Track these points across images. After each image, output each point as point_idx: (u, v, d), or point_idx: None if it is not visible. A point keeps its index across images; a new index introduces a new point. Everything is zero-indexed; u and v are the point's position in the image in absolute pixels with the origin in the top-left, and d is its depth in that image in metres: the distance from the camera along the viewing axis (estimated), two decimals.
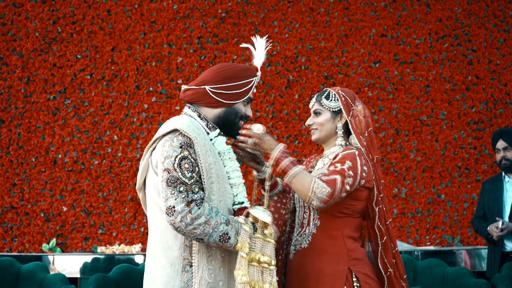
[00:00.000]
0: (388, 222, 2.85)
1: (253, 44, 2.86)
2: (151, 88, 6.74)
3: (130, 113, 6.71)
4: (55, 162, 6.61)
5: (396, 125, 6.83)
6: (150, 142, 2.65)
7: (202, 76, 2.74)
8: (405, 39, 6.90)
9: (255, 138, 2.74)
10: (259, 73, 2.80)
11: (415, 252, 5.89)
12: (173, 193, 2.50)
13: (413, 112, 6.83)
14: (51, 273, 4.42)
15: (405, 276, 2.90)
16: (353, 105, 2.93)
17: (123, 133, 6.68)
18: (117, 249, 6.06)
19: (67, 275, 4.53)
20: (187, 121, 2.63)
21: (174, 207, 2.49)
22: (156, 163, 2.60)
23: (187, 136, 2.56)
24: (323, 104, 2.93)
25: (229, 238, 2.52)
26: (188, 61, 6.76)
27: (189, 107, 2.74)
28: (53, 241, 6.35)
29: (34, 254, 6.19)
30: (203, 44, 6.79)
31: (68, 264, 5.77)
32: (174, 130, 2.57)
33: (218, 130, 2.70)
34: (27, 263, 4.45)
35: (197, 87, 2.71)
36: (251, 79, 2.75)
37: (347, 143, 2.93)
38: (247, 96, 2.74)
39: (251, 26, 6.82)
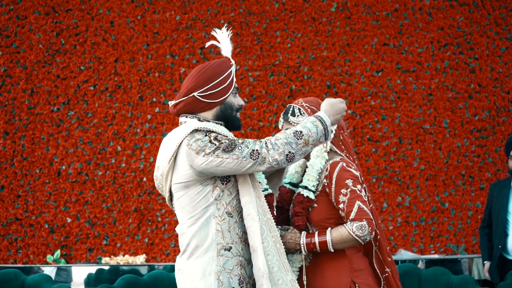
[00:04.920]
0: (379, 221, 2.86)
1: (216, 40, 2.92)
2: (154, 99, 6.76)
3: (134, 124, 6.73)
4: (59, 174, 6.63)
5: (399, 134, 6.83)
6: (171, 152, 2.66)
7: (185, 86, 2.77)
8: (407, 47, 6.91)
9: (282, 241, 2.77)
10: (233, 61, 2.84)
11: (420, 261, 5.89)
12: (241, 148, 2.60)
13: (416, 121, 6.84)
14: (56, 284, 4.43)
15: (398, 276, 2.91)
16: None
17: (126, 144, 6.69)
18: (121, 260, 6.06)
19: (72, 286, 4.54)
20: (196, 121, 2.71)
21: (253, 150, 2.59)
22: (188, 166, 2.63)
23: (205, 129, 2.64)
24: (291, 121, 2.89)
25: (300, 132, 2.63)
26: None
27: (186, 116, 2.78)
28: (58, 253, 6.36)
29: (38, 265, 6.20)
30: (206, 55, 6.82)
31: (73, 275, 5.77)
32: (192, 131, 2.64)
33: (223, 127, 2.75)
34: (31, 274, 4.46)
35: (186, 97, 2.75)
36: (230, 70, 2.79)
37: (328, 150, 2.92)
38: (233, 87, 2.78)
39: (254, 36, 6.85)
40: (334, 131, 2.85)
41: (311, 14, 6.90)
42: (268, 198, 2.76)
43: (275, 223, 2.72)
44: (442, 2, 6.95)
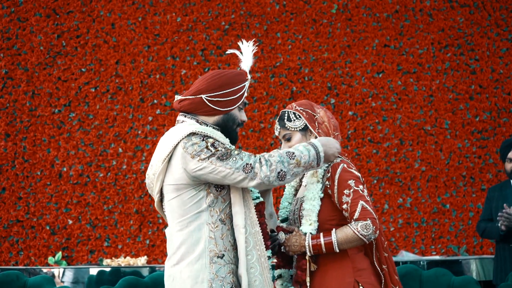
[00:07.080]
0: (376, 218, 2.87)
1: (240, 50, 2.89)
2: (155, 101, 6.77)
3: (135, 126, 6.74)
4: (60, 175, 6.64)
5: (400, 135, 6.83)
6: (166, 152, 2.65)
7: (196, 86, 2.76)
8: (408, 49, 6.92)
9: (285, 246, 2.80)
10: (249, 77, 2.83)
11: (421, 262, 5.88)
12: (235, 159, 2.60)
13: (417, 122, 6.85)
14: (57, 286, 4.43)
15: (395, 271, 2.91)
16: (314, 114, 2.91)
17: (127, 145, 6.70)
18: (122, 261, 6.06)
19: None
20: (193, 123, 2.70)
21: (247, 164, 2.59)
22: (182, 170, 2.62)
23: (202, 133, 2.62)
24: (288, 127, 2.90)
25: (293, 153, 2.65)
26: (192, 74, 6.80)
27: (186, 116, 2.76)
28: (59, 254, 6.37)
29: (40, 267, 6.20)
30: (207, 56, 6.82)
31: (74, 277, 5.77)
32: (189, 134, 2.62)
33: (220, 133, 2.74)
34: (33, 276, 4.46)
35: (193, 96, 2.73)
36: (243, 84, 2.78)
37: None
38: (241, 101, 2.77)
39: (255, 38, 6.85)
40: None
41: (311, 16, 6.91)
42: (260, 206, 2.75)
43: (262, 237, 2.70)
44: (442, 3, 6.96)
